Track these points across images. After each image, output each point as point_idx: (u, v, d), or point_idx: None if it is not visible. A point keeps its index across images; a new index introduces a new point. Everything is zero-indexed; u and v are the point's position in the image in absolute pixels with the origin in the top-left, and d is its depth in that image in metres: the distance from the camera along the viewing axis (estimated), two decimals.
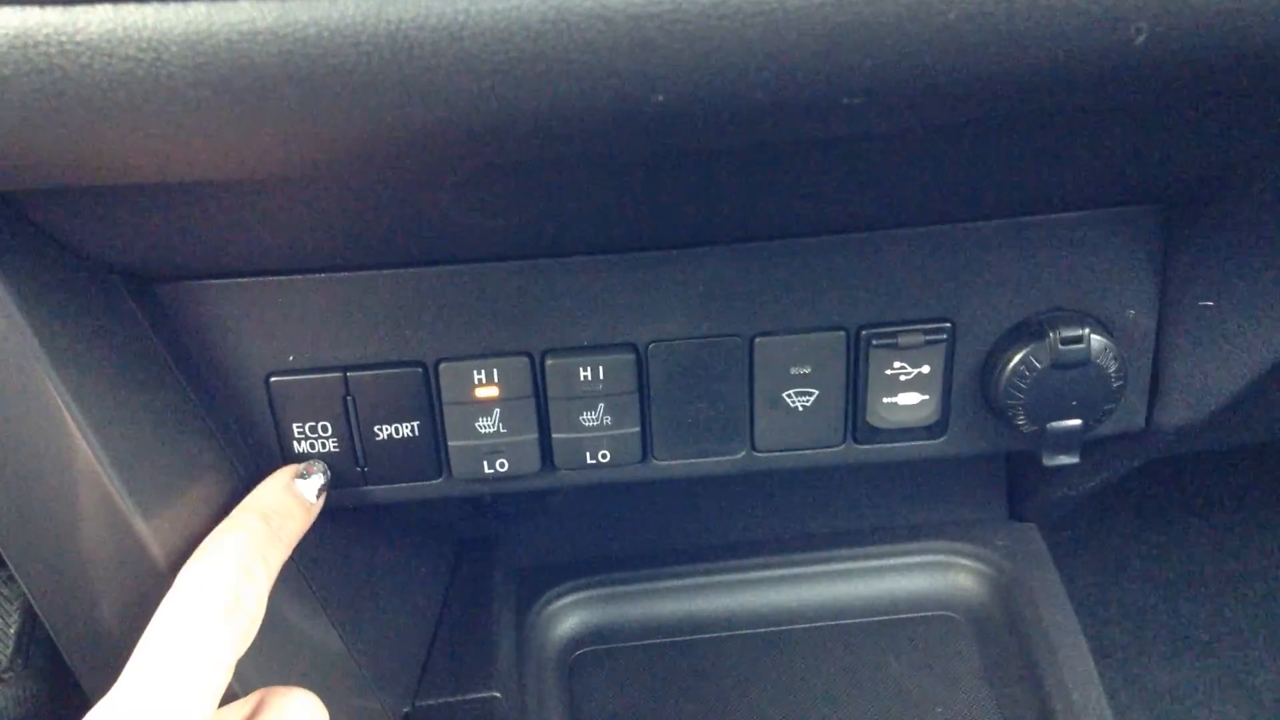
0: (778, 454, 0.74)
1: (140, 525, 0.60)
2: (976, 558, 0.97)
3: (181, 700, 0.51)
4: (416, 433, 0.70)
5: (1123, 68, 0.45)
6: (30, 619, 0.69)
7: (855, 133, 0.50)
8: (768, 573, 0.97)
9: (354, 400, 0.69)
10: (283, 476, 0.68)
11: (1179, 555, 1.32)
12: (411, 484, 0.73)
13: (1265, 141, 0.59)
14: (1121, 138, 0.58)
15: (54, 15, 0.42)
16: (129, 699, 0.51)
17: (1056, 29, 0.43)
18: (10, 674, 0.68)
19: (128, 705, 0.51)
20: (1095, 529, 1.34)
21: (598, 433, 0.71)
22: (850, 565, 0.98)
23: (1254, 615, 1.24)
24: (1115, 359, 0.69)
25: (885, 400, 0.72)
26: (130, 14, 0.42)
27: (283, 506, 0.65)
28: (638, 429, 0.72)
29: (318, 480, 0.69)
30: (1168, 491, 1.38)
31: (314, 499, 0.68)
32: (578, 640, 0.95)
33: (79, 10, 0.42)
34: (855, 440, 0.74)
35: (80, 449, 0.58)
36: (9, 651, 0.68)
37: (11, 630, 0.69)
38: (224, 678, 0.54)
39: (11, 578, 0.67)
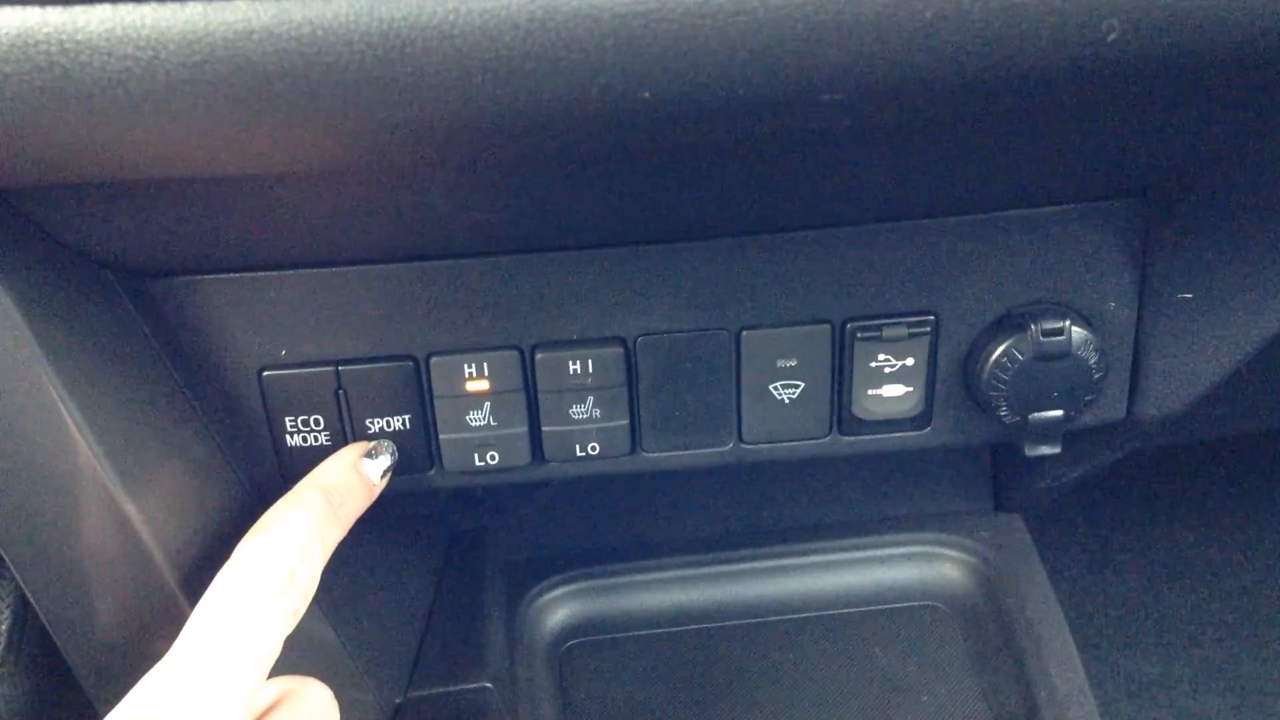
0: (765, 446, 0.75)
1: (137, 519, 0.60)
2: (962, 549, 0.98)
3: (230, 671, 0.52)
4: (408, 426, 0.71)
5: (1096, 65, 0.46)
6: (21, 615, 0.69)
7: (837, 128, 0.51)
8: (755, 564, 0.98)
9: (346, 394, 0.70)
10: (350, 455, 0.68)
11: (1164, 547, 1.32)
12: (403, 476, 0.73)
13: (1241, 135, 0.60)
14: (1099, 133, 0.59)
15: (54, 15, 0.42)
16: (179, 669, 0.52)
17: (1030, 28, 0.44)
18: (2, 671, 0.68)
19: (177, 675, 0.52)
20: (1080, 521, 1.35)
21: (587, 425, 0.72)
22: (837, 556, 0.98)
23: (1239, 607, 1.24)
24: (1096, 351, 0.70)
25: (870, 392, 0.73)
26: (129, 13, 0.42)
27: (346, 485, 0.65)
28: (626, 421, 0.72)
29: (385, 461, 0.69)
30: (1153, 484, 1.38)
31: (378, 479, 0.68)
32: (568, 631, 0.96)
33: (78, 10, 0.42)
34: (841, 432, 0.75)
35: (76, 443, 0.58)
36: (0, 648, 0.69)
37: (3, 627, 0.69)
38: (273, 653, 0.55)
39: (1, 575, 0.68)
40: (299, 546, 0.58)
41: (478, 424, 0.71)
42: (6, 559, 0.62)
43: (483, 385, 0.70)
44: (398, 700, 0.82)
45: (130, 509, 0.60)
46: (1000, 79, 0.46)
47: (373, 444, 0.70)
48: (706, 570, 0.98)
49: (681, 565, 0.98)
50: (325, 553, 0.61)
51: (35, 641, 0.70)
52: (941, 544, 0.98)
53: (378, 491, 0.68)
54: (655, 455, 0.75)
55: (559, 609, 0.97)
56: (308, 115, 0.45)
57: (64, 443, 0.59)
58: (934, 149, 0.58)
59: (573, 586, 0.97)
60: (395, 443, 0.71)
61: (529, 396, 0.71)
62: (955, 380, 0.74)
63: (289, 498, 0.62)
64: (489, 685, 0.83)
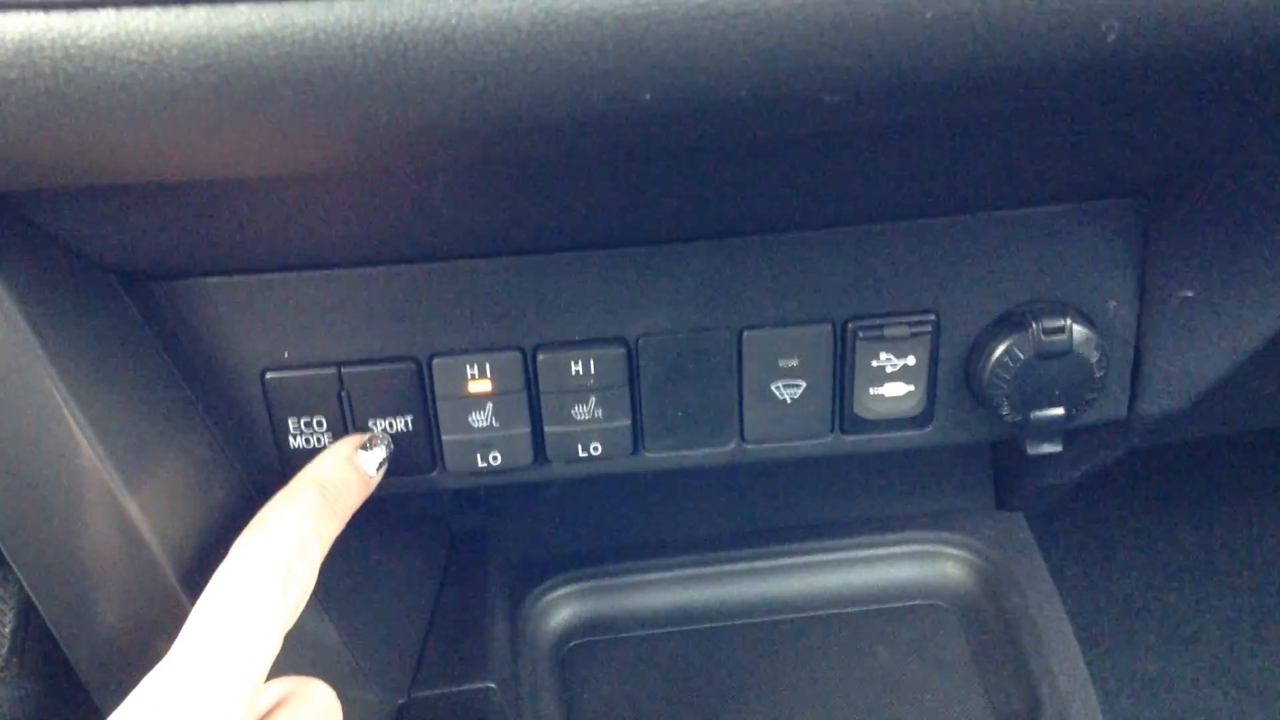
0: (767, 445, 0.75)
1: (139, 520, 0.60)
2: (964, 547, 0.98)
3: (231, 670, 0.52)
4: (410, 427, 0.71)
5: (1096, 65, 0.46)
6: (25, 618, 0.69)
7: (838, 129, 0.51)
8: (758, 564, 0.98)
9: (348, 395, 0.70)
10: (345, 448, 0.68)
11: (1166, 545, 1.32)
12: (405, 477, 0.73)
13: (1241, 134, 0.60)
14: (1100, 132, 0.59)
15: (59, 20, 0.43)
16: (179, 669, 0.52)
17: (1030, 27, 0.44)
18: (5, 673, 0.68)
19: (178, 675, 0.52)
20: (1083, 519, 1.35)
21: (589, 426, 0.72)
22: (839, 555, 0.98)
23: (1241, 605, 1.25)
24: (1097, 349, 0.70)
25: (872, 391, 0.73)
26: (132, 18, 0.43)
27: (341, 479, 0.65)
28: (629, 422, 0.72)
29: (380, 454, 0.69)
30: (1155, 482, 1.38)
31: (374, 473, 0.68)
32: (571, 631, 0.96)
33: (83, 15, 0.43)
34: (843, 431, 0.75)
35: (79, 445, 0.59)
36: (4, 651, 0.68)
37: (6, 629, 0.69)
38: (273, 649, 0.55)
39: (4, 577, 0.68)
40: (296, 542, 0.59)
41: (480, 425, 0.71)
42: (9, 558, 0.62)
43: (485, 386, 0.70)
44: (401, 700, 0.82)
45: (133, 510, 0.60)
46: (1001, 79, 0.47)
47: (367, 436, 0.70)
48: (709, 570, 0.98)
49: (684, 565, 0.98)
50: (323, 548, 0.61)
51: (39, 644, 0.70)
52: (943, 542, 0.98)
53: (374, 484, 0.68)
54: (657, 455, 0.75)
55: (562, 609, 0.97)
56: (310, 119, 0.45)
57: (67, 445, 0.59)
58: (936, 149, 0.58)
59: (575, 586, 0.97)
60: (397, 444, 0.71)
61: (531, 397, 0.71)
62: (957, 379, 0.74)
63: (284, 494, 0.62)
64: (492, 685, 0.83)
